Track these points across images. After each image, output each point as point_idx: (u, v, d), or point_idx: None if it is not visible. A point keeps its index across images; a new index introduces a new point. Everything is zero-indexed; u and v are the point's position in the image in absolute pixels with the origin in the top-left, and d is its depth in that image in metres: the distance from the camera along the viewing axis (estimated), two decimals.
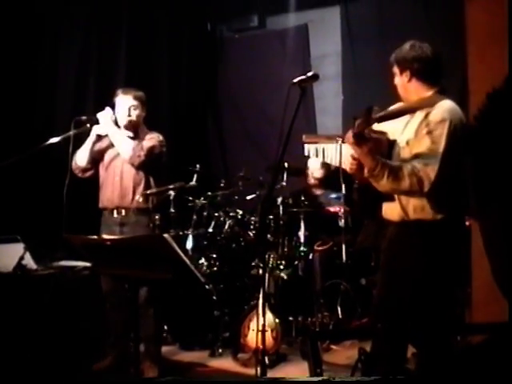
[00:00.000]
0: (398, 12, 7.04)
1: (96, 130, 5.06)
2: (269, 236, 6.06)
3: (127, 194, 5.04)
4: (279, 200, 6.13)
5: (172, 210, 5.28)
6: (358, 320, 5.87)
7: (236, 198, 6.72)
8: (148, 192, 4.98)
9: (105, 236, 3.69)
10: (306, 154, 3.89)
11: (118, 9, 7.23)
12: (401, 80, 3.72)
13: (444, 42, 5.77)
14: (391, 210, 3.68)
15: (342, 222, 5.94)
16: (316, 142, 3.84)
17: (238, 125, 8.45)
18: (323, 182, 6.65)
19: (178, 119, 7.88)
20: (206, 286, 5.57)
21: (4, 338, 4.57)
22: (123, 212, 5.06)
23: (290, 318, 5.71)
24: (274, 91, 7.41)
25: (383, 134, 3.70)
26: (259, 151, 7.84)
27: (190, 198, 6.30)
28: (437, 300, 3.59)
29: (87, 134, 5.16)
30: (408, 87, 3.70)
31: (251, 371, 4.77)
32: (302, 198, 6.20)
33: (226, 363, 5.34)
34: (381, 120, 3.63)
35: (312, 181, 6.69)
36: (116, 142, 5.04)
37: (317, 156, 3.86)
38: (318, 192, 6.70)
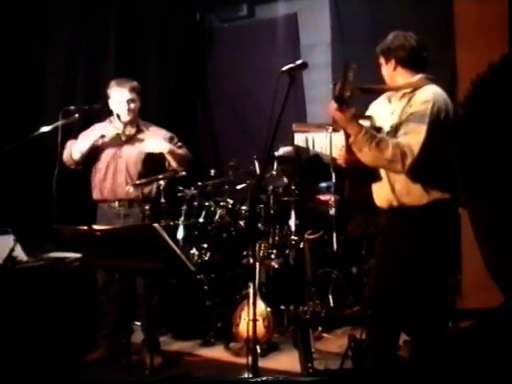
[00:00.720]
0: (388, 2, 7.03)
1: (147, 148, 5.09)
2: (259, 225, 6.07)
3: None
4: (270, 189, 6.13)
5: (162, 201, 5.26)
6: (349, 308, 5.89)
7: (226, 187, 6.70)
8: (138, 182, 4.97)
9: (95, 226, 3.67)
10: (296, 142, 3.90)
11: None
12: (387, 69, 3.78)
13: (433, 32, 5.78)
14: (380, 198, 3.72)
15: (332, 211, 5.94)
16: (306, 131, 3.86)
17: (228, 114, 8.44)
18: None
19: (168, 109, 7.85)
20: (198, 276, 5.56)
21: None
22: (126, 204, 5.09)
23: (282, 307, 5.70)
24: (263, 80, 7.38)
25: (369, 118, 3.73)
26: (249, 141, 7.82)
27: (181, 188, 6.28)
28: (428, 287, 3.61)
29: (76, 124, 5.15)
30: (394, 76, 3.75)
31: (243, 360, 4.77)
32: (293, 187, 6.20)
33: (218, 352, 5.34)
34: (365, 90, 3.68)
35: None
36: (172, 156, 5.13)
37: (307, 145, 3.87)
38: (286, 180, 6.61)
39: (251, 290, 4.22)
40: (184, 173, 5.49)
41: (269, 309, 5.30)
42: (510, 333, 1.33)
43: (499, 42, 3.03)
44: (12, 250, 4.79)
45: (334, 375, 1.65)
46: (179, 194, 6.27)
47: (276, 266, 5.87)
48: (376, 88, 3.81)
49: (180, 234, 6.01)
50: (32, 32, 6.53)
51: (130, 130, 5.15)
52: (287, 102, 3.48)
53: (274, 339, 5.43)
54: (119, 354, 4.93)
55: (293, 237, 6.07)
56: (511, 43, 3.19)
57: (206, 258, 6.00)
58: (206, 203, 6.36)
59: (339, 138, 3.77)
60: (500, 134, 1.38)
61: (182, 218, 6.09)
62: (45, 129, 4.98)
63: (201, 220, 6.25)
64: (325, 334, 5.51)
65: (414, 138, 3.47)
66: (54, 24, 6.74)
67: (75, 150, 5.06)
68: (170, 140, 5.19)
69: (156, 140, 5.08)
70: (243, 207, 6.38)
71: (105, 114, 5.34)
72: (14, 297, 4.72)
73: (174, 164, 5.13)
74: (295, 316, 5.67)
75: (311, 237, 6.14)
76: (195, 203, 6.33)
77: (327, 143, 3.81)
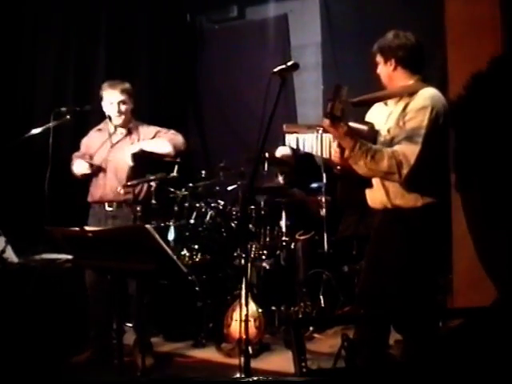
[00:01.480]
0: (378, 3, 7.04)
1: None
2: (250, 226, 6.07)
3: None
4: (262, 190, 6.15)
5: (153, 202, 5.26)
6: (340, 309, 5.90)
7: (217, 188, 6.71)
8: (129, 183, 4.98)
9: (86, 228, 3.66)
10: (287, 143, 3.90)
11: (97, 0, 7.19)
12: (385, 69, 3.73)
13: (423, 32, 5.79)
14: (374, 199, 3.72)
15: (323, 212, 5.95)
16: (296, 132, 3.84)
17: (219, 115, 8.44)
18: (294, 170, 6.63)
19: (158, 110, 7.84)
20: (189, 277, 5.56)
21: None
22: (114, 205, 5.09)
23: (273, 308, 5.72)
24: (254, 81, 7.40)
25: (368, 124, 3.71)
26: (240, 142, 7.82)
27: (172, 190, 6.28)
28: (419, 286, 3.62)
29: (67, 125, 5.15)
30: (393, 76, 3.71)
31: (235, 361, 4.77)
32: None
33: (209, 353, 5.34)
34: (359, 104, 3.66)
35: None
36: (153, 149, 5.09)
37: (297, 146, 3.87)
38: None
39: (243, 291, 4.22)
40: (175, 174, 5.50)
41: (260, 309, 5.30)
42: (504, 328, 1.34)
43: (489, 42, 3.05)
44: (3, 251, 4.78)
45: (328, 375, 1.66)
46: (170, 196, 6.27)
47: (267, 267, 5.88)
48: (370, 98, 3.79)
49: (171, 235, 6.00)
50: (22, 33, 6.52)
51: (122, 132, 5.16)
52: (278, 103, 3.49)
53: (266, 340, 5.43)
54: (109, 356, 4.93)
55: (284, 237, 6.07)
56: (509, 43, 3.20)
57: (197, 259, 6.00)
58: (197, 204, 6.37)
59: (331, 139, 3.76)
60: (489, 131, 1.40)
61: (173, 220, 6.09)
62: (36, 130, 4.98)
63: (192, 221, 6.26)
64: (316, 335, 5.52)
65: (410, 147, 3.44)
66: (45, 24, 6.72)
67: (75, 169, 5.16)
68: (156, 134, 5.18)
69: (127, 150, 5.07)
70: (234, 208, 6.39)
71: (96, 115, 5.34)
72: (5, 298, 4.71)
73: (162, 153, 5.13)
74: (286, 316, 5.68)
75: (302, 237, 6.15)
76: (186, 204, 6.33)
77: (318, 144, 3.79)
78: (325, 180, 5.87)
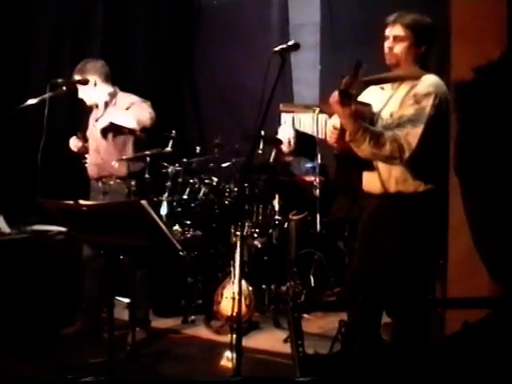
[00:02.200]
0: None
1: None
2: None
3: (108, 162, 5.02)
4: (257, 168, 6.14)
5: (147, 176, 5.25)
6: (330, 290, 5.92)
7: (211, 165, 6.70)
8: (124, 157, 4.97)
9: (81, 201, 3.65)
10: (283, 122, 3.89)
11: None
12: (407, 48, 3.63)
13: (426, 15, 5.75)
14: (372, 183, 3.70)
15: (316, 192, 5.95)
16: (292, 112, 3.83)
17: (214, 92, 8.39)
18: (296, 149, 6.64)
19: (154, 85, 7.81)
20: (180, 253, 5.56)
21: None
22: (104, 180, 5.10)
23: (263, 286, 5.73)
24: (250, 59, 7.36)
25: (367, 105, 3.70)
26: (235, 119, 7.81)
27: (165, 164, 6.27)
28: (415, 272, 3.64)
29: (63, 96, 5.14)
30: (408, 57, 3.62)
31: (224, 338, 4.80)
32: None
33: (199, 330, 5.36)
34: (368, 83, 3.64)
35: (287, 148, 6.64)
36: (120, 123, 5.02)
37: (293, 125, 3.85)
38: (290, 159, 6.69)
39: (237, 269, 4.22)
40: (170, 149, 5.48)
41: (250, 288, 5.32)
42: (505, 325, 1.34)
43: (494, 34, 3.03)
44: None
45: (324, 361, 1.66)
46: (164, 170, 6.25)
47: (259, 245, 5.89)
48: (380, 78, 3.75)
49: (163, 210, 5.99)
50: (18, 5, 6.45)
51: (101, 107, 5.17)
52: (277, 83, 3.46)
53: (255, 318, 5.46)
54: (99, 329, 4.94)
55: (277, 216, 6.07)
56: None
57: (189, 235, 6.00)
58: (191, 180, 6.37)
59: (327, 119, 3.75)
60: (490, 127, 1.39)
61: (166, 195, 6.07)
62: (32, 101, 4.95)
63: (185, 197, 6.25)
64: (305, 315, 5.53)
65: (412, 131, 3.45)
66: None
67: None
68: (131, 105, 5.13)
69: (99, 125, 5.07)
70: (227, 185, 6.38)
71: None
72: None
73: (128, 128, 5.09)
74: (276, 295, 5.70)
75: (295, 217, 6.15)
76: (179, 180, 6.33)
77: (314, 124, 3.77)
78: (319, 160, 5.85)
